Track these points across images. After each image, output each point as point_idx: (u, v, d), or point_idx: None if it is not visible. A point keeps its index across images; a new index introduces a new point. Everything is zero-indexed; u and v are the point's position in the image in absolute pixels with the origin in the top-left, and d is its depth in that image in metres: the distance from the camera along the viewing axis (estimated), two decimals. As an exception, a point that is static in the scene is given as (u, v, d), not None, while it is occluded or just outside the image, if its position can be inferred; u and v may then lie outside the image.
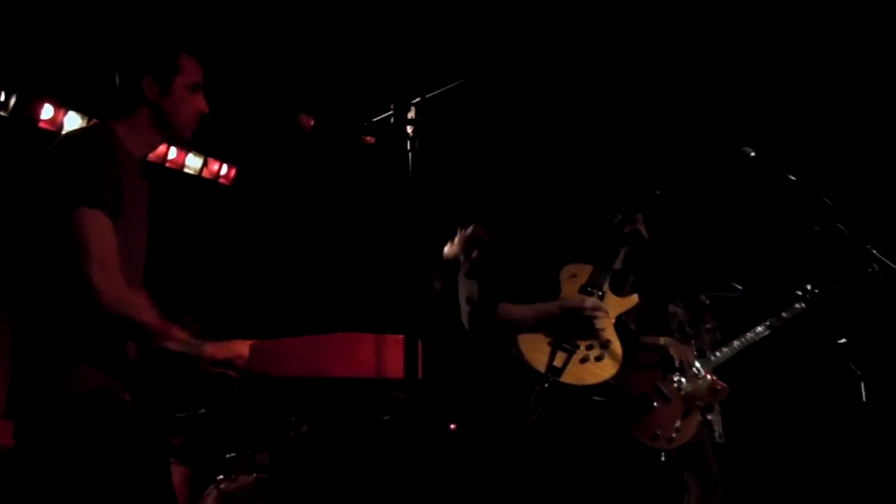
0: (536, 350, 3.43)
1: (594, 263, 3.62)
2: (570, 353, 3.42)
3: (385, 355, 2.13)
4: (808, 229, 3.11)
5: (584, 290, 3.56)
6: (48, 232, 2.25)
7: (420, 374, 2.13)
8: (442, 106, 2.38)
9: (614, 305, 3.58)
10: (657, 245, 4.29)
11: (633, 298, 3.62)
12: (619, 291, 3.63)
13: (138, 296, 2.29)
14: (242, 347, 2.30)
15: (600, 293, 3.54)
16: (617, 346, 3.48)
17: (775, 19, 5.21)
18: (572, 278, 3.60)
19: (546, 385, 3.39)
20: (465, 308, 3.61)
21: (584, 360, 3.43)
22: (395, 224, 2.23)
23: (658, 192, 3.76)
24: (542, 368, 3.38)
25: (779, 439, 5.97)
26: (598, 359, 3.44)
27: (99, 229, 2.21)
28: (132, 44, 2.50)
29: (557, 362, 3.39)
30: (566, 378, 3.38)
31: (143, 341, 2.34)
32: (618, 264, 3.69)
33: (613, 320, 3.54)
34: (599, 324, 3.46)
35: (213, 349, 2.29)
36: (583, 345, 3.45)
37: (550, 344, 3.44)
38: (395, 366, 2.14)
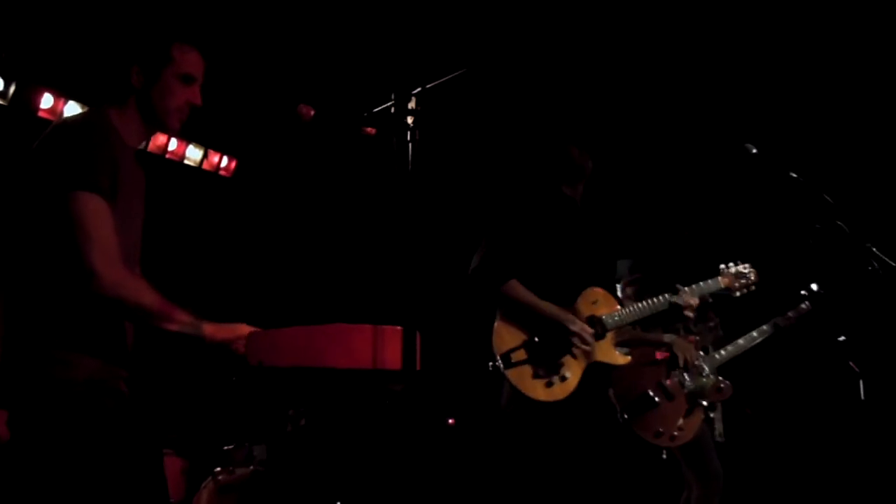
0: (507, 336, 3.37)
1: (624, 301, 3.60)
2: (530, 361, 3.34)
3: (382, 346, 2.12)
4: (809, 227, 3.10)
5: (590, 319, 3.45)
6: (44, 217, 2.24)
7: (418, 366, 2.12)
8: (444, 96, 2.37)
9: (602, 352, 3.45)
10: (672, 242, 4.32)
11: (625, 359, 3.52)
12: (621, 346, 3.55)
13: (138, 279, 2.29)
14: (242, 329, 2.30)
15: (601, 333, 3.43)
16: (571, 385, 3.35)
17: (777, 17, 5.20)
18: (591, 304, 3.49)
19: (490, 366, 3.34)
20: (480, 263, 3.47)
21: (536, 376, 3.33)
22: (395, 215, 2.23)
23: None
24: (497, 352, 3.33)
25: (777, 437, 5.97)
26: (549, 384, 3.32)
27: (98, 213, 2.21)
28: (126, 33, 2.50)
29: (514, 357, 3.33)
30: (510, 374, 3.31)
31: (143, 324, 2.32)
32: (637, 315, 3.58)
33: (588, 363, 3.41)
34: (575, 354, 3.37)
35: (213, 329, 2.28)
36: (546, 363, 3.35)
37: (522, 341, 3.37)
38: (392, 357, 2.13)
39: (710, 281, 3.88)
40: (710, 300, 4.62)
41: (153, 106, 2.45)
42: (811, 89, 5.60)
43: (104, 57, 2.51)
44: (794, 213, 3.32)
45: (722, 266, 3.99)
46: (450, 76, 2.36)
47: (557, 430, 3.34)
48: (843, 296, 4.41)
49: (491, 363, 3.34)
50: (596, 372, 3.42)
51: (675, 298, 3.63)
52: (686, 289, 3.72)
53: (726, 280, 3.94)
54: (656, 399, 4.21)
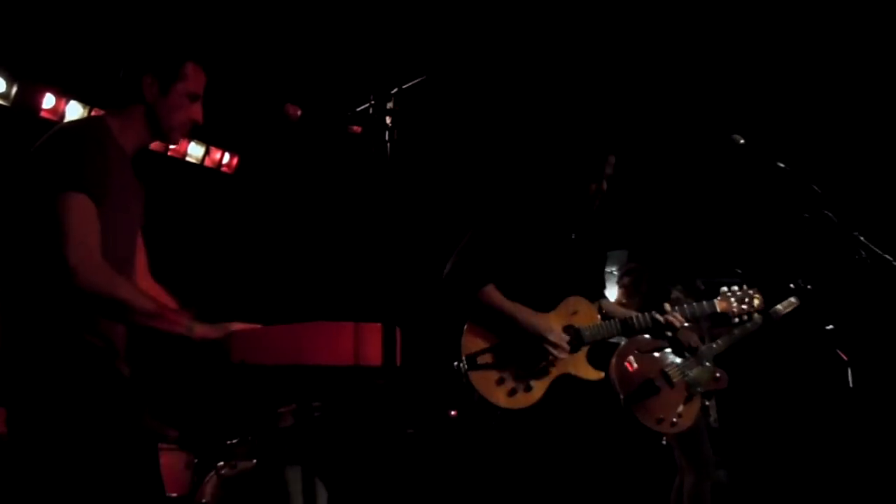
0: (475, 339, 3.26)
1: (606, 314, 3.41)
2: (496, 366, 3.23)
3: (363, 343, 2.15)
4: (797, 216, 3.10)
5: (567, 328, 3.31)
6: (35, 216, 2.28)
7: (398, 362, 2.16)
8: (423, 96, 2.39)
9: (575, 365, 3.29)
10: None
11: (598, 374, 3.32)
12: (595, 363, 3.34)
13: (120, 276, 2.28)
14: (234, 329, 2.29)
15: (576, 346, 3.29)
16: (535, 396, 3.21)
17: (761, 8, 5.18)
18: (571, 314, 3.34)
19: (455, 365, 3.24)
20: (454, 266, 3.34)
21: (500, 381, 3.22)
22: (375, 213, 2.26)
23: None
24: (464, 352, 3.24)
25: (766, 424, 5.99)
26: (511, 392, 3.20)
27: (81, 211, 2.24)
28: (142, 42, 2.54)
29: (480, 360, 3.23)
30: (472, 377, 3.21)
31: (127, 321, 2.33)
32: (618, 332, 3.39)
33: (558, 375, 3.25)
34: (545, 365, 3.24)
35: (203, 330, 2.28)
36: (513, 371, 3.23)
37: (492, 344, 3.26)
38: (373, 353, 2.16)
39: (705, 303, 3.58)
40: (703, 288, 4.66)
41: (159, 119, 2.50)
42: (797, 79, 5.59)
43: (112, 60, 2.53)
44: (782, 202, 3.32)
45: (724, 289, 3.63)
46: (426, 76, 2.38)
47: (520, 436, 3.23)
48: (831, 285, 4.42)
49: (456, 362, 3.26)
50: (564, 384, 3.27)
51: (658, 316, 3.41)
52: (677, 307, 3.47)
53: (723, 304, 3.58)
54: (659, 386, 4.28)
